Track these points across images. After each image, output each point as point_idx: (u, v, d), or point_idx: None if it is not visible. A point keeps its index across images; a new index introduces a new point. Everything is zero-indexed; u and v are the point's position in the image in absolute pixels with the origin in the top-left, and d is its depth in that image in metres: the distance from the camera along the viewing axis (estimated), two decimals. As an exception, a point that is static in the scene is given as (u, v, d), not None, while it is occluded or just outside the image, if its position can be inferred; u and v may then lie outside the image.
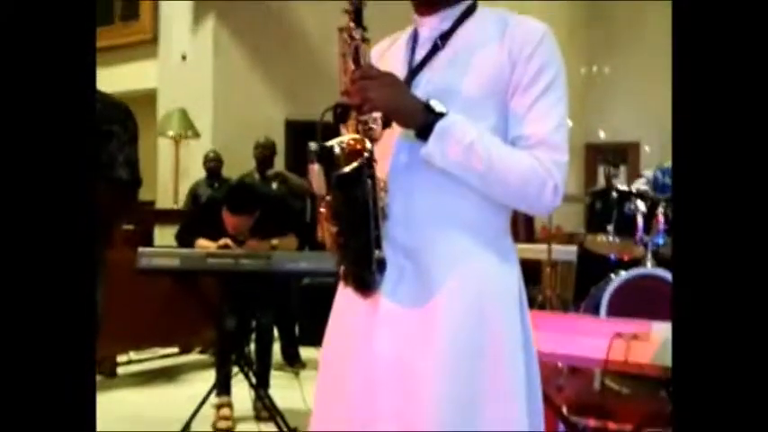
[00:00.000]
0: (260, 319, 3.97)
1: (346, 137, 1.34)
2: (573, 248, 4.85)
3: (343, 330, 1.46)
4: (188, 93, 7.10)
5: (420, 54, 1.46)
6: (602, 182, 4.29)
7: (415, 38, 1.49)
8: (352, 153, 1.32)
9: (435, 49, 1.44)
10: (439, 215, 1.38)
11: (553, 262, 4.68)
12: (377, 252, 1.34)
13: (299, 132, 7.12)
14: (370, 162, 1.32)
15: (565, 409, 2.64)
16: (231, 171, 6.48)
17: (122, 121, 2.06)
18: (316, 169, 1.31)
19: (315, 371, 1.53)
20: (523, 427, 1.36)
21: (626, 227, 3.50)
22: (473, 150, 1.33)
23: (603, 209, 3.59)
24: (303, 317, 5.41)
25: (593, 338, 2.14)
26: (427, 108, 1.33)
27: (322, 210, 1.35)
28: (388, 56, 1.53)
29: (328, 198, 1.33)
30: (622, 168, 8.65)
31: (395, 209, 1.38)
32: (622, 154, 8.76)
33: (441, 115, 1.33)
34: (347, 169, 1.30)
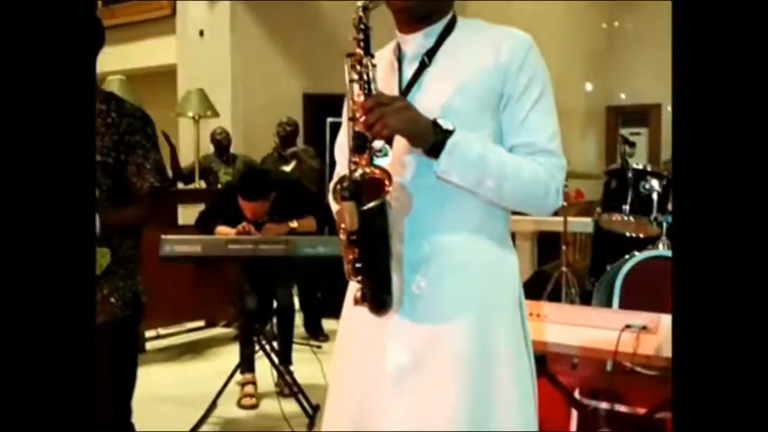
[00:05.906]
0: (280, 299, 4.05)
1: (368, 167, 1.36)
2: (589, 220, 4.85)
3: (352, 343, 1.52)
4: (206, 69, 7.11)
5: (408, 72, 1.48)
6: (621, 149, 4.25)
7: (400, 56, 1.50)
8: (373, 182, 1.35)
9: (423, 67, 1.47)
10: (440, 228, 1.43)
11: (570, 236, 4.69)
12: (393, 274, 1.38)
13: (316, 105, 7.13)
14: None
15: (577, 392, 2.70)
16: (251, 146, 6.51)
17: (143, 129, 2.10)
18: (348, 206, 1.34)
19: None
20: (535, 426, 1.44)
21: (641, 206, 3.51)
22: (485, 162, 1.38)
23: (619, 187, 3.60)
24: (325, 289, 5.46)
25: (603, 330, 2.20)
26: (435, 126, 1.36)
27: (341, 237, 1.38)
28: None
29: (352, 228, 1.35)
30: (644, 131, 8.56)
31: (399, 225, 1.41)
32: (644, 116, 8.62)
33: (449, 132, 1.36)
34: (373, 204, 1.33)
